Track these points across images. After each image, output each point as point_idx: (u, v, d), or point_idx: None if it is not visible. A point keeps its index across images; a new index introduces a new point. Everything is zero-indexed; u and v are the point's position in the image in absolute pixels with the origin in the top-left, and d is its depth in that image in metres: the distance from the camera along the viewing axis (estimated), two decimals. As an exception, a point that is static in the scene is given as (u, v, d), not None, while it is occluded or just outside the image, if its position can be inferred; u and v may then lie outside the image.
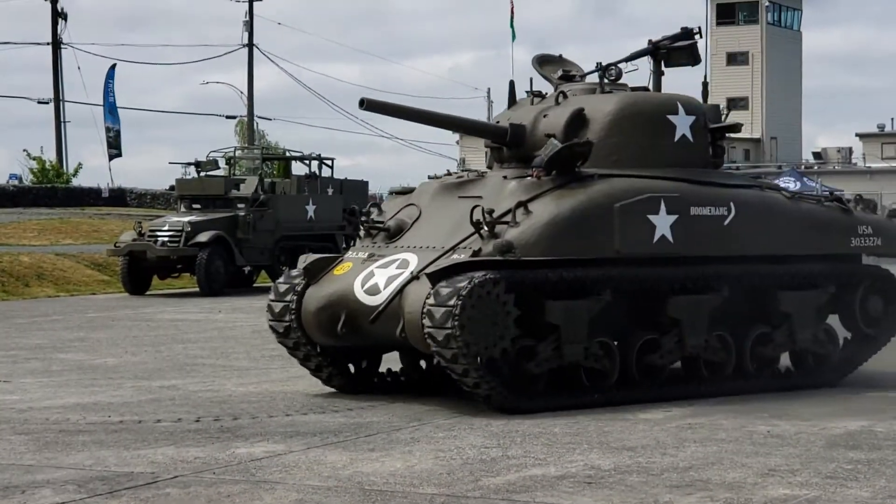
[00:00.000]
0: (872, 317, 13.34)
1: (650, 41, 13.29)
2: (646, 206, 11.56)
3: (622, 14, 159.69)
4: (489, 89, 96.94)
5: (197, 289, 28.47)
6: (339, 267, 12.06)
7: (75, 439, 9.85)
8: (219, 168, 32.15)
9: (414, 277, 11.19)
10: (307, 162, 32.81)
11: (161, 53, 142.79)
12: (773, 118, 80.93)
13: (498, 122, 12.72)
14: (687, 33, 13.34)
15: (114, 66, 55.63)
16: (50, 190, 50.87)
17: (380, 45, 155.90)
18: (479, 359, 10.70)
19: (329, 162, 32.78)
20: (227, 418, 10.84)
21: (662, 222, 11.63)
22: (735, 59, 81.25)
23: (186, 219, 28.72)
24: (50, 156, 57.86)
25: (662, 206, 11.64)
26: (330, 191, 32.23)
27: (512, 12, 75.95)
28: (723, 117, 13.14)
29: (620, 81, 12.88)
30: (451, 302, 10.51)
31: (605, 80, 12.70)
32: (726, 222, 12.08)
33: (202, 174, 30.94)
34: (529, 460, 8.89)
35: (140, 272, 28.71)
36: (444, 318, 10.55)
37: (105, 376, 14.04)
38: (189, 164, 31.38)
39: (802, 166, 69.22)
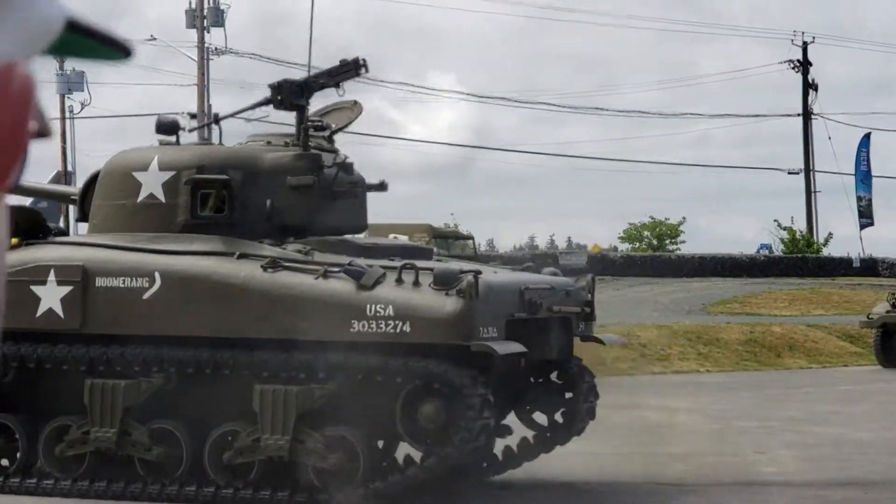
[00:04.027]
0: (423, 427, 10.00)
1: (269, 86, 11.46)
2: (29, 276, 10.55)
3: None
4: None
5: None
6: None
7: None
8: None
9: None
10: None
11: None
12: None
13: None
14: (346, 65, 11.37)
15: (868, 135, 54.98)
16: (800, 260, 50.93)
17: None
18: None
19: None
20: None
21: (51, 294, 10.52)
22: None
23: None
24: (800, 225, 58.07)
25: (52, 276, 10.54)
26: None
27: None
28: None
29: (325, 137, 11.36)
30: None
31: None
32: (146, 296, 10.39)
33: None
34: None
35: (894, 345, 27.81)
36: None
37: (860, 451, 13.58)
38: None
39: None
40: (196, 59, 44.10)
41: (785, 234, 56.64)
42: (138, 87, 78.22)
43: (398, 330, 9.84)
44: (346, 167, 11.19)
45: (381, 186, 11.91)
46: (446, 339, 9.87)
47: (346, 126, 11.68)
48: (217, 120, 12.01)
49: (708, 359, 27.26)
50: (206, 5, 45.00)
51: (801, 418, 17.24)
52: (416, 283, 9.91)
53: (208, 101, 43.63)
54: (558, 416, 11.35)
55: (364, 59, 11.42)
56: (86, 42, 0.61)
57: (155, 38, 47.79)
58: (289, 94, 11.20)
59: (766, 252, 55.47)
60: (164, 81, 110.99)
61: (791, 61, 61.08)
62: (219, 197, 10.84)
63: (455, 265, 10.69)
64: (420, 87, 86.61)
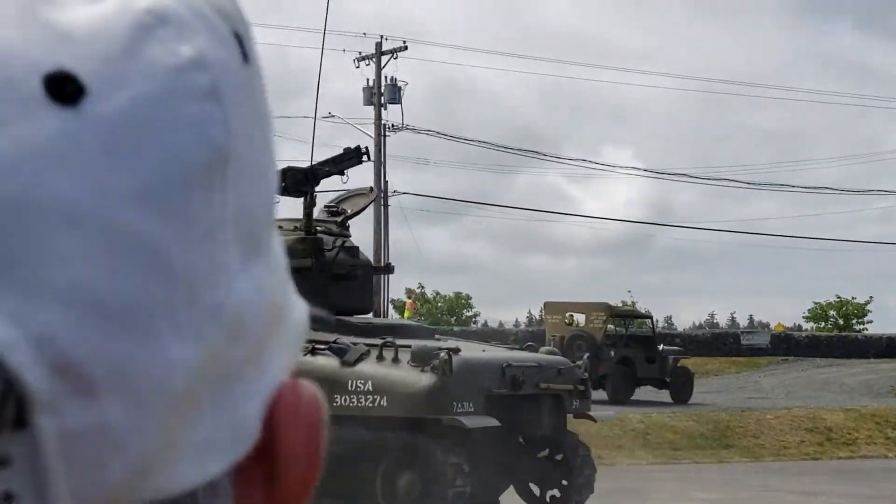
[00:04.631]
0: (401, 499, 10.80)
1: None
2: None
3: None
4: None
5: None
6: None
7: None
8: None
9: None
10: None
11: None
12: None
13: None
14: (348, 153, 12.41)
15: None
16: None
17: None
18: None
19: None
20: None
21: None
22: None
23: None
24: None
25: None
26: None
27: None
28: None
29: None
30: None
31: None
32: None
33: None
34: None
35: None
36: None
37: None
38: None
39: None
40: (373, 135, 44.37)
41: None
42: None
43: (376, 404, 10.63)
44: (350, 251, 12.01)
45: (388, 269, 12.72)
46: (420, 412, 10.58)
47: (360, 211, 12.59)
48: None
49: (897, 444, 26.04)
50: (383, 83, 45.36)
51: None
52: (396, 360, 10.72)
53: (384, 177, 43.86)
54: (556, 491, 11.81)
55: (366, 148, 12.44)
56: None
57: (333, 115, 48.26)
58: (293, 182, 11.87)
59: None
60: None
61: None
62: None
63: (434, 343, 11.25)
64: (597, 163, 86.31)
